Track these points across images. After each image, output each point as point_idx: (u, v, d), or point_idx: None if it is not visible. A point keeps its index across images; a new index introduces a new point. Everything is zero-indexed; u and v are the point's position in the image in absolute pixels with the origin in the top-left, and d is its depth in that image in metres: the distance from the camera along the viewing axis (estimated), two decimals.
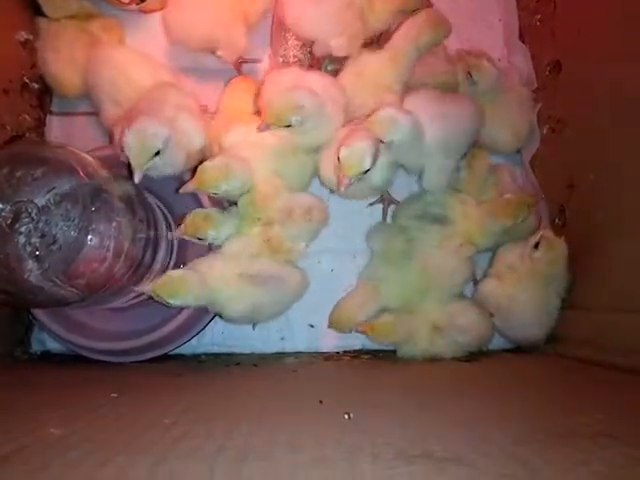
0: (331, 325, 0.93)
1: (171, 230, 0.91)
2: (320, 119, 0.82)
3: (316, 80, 0.86)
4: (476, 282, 0.96)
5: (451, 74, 0.97)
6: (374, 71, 0.89)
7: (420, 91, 0.87)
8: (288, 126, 0.79)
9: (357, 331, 0.89)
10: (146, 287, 0.75)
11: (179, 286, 0.74)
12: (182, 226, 0.82)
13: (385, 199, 0.99)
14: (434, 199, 0.94)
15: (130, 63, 0.92)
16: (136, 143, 0.75)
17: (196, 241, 0.83)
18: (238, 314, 0.81)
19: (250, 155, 0.84)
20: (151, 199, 0.89)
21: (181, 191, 0.82)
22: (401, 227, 0.95)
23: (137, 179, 0.76)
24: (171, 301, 0.74)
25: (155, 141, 0.76)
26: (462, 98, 0.91)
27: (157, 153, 0.77)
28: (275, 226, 0.83)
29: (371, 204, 1.01)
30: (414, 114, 0.80)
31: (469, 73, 0.95)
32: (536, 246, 0.87)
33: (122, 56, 0.93)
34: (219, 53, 0.97)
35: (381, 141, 0.78)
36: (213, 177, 0.79)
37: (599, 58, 0.86)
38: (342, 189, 0.76)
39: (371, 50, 0.92)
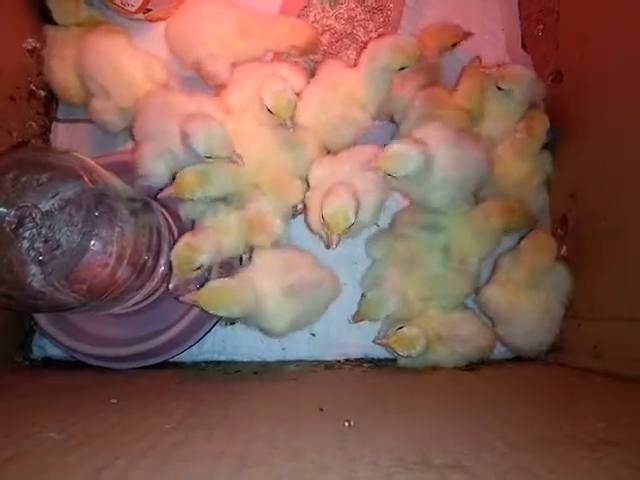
0: (361, 315, 0.90)
1: (173, 237, 0.92)
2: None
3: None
4: (477, 291, 0.96)
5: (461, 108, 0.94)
6: (349, 87, 0.87)
7: (435, 123, 0.86)
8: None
9: (377, 343, 0.88)
10: (189, 297, 0.74)
11: (225, 296, 0.74)
12: (173, 270, 0.79)
13: None
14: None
15: (118, 50, 0.92)
16: (213, 143, 0.77)
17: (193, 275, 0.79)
18: (280, 329, 0.81)
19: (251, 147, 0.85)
20: (154, 205, 0.90)
21: (159, 196, 0.82)
22: (398, 235, 0.94)
23: (240, 160, 0.79)
24: (220, 313, 0.74)
25: (221, 129, 0.78)
26: (475, 136, 0.90)
27: None
28: (249, 205, 0.84)
29: None
30: (426, 146, 0.80)
31: (498, 87, 0.93)
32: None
33: (109, 43, 0.92)
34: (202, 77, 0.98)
35: (392, 176, 0.79)
36: (190, 184, 0.79)
37: (601, 68, 0.87)
38: (334, 247, 0.78)
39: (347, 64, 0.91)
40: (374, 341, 0.89)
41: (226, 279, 0.76)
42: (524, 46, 1.08)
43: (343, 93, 0.87)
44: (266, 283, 0.78)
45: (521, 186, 0.95)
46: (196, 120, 0.78)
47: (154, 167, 0.83)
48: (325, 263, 0.98)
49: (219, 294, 0.74)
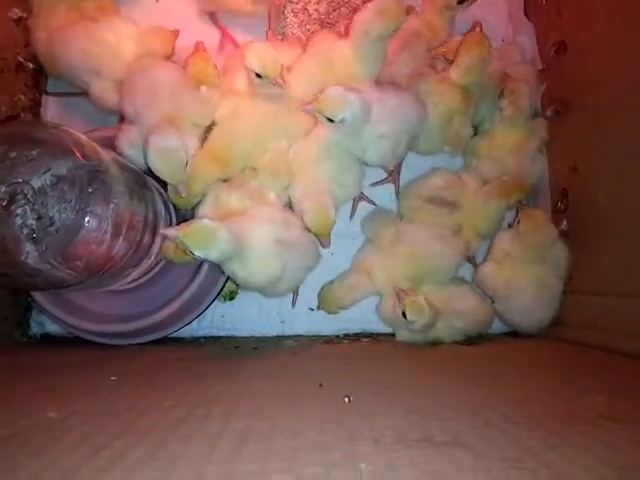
0: (319, 305, 0.94)
1: (169, 213, 0.91)
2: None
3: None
4: (476, 266, 0.95)
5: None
6: (345, 62, 0.85)
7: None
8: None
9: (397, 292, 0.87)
10: (173, 231, 0.70)
11: (208, 238, 0.70)
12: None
13: (357, 196, 0.98)
14: (445, 183, 0.93)
15: (95, 30, 0.89)
16: (164, 167, 0.77)
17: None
18: (264, 279, 0.79)
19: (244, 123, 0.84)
20: (149, 181, 0.88)
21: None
22: (410, 208, 0.94)
23: (184, 193, 0.79)
24: (196, 252, 0.70)
25: (181, 155, 0.77)
26: (407, 93, 0.87)
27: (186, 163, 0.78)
28: (249, 182, 0.84)
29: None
30: (361, 92, 0.78)
31: (502, 91, 0.92)
32: (518, 223, 0.89)
33: (83, 29, 0.89)
34: None
35: (331, 120, 0.77)
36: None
37: (605, 39, 0.84)
38: (328, 247, 0.83)
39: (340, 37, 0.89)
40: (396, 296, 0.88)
41: (214, 223, 0.71)
42: (527, 16, 1.05)
43: (339, 68, 0.85)
44: (262, 232, 0.77)
45: (516, 154, 0.94)
46: (156, 141, 0.77)
47: (130, 153, 0.83)
48: None
49: (206, 236, 0.70)
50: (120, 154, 0.83)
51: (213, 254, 0.70)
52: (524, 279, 0.88)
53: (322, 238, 0.82)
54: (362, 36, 0.83)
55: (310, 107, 0.78)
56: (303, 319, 0.99)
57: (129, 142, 0.82)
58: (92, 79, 0.89)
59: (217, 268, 0.80)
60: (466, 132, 0.94)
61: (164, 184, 0.91)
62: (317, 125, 0.85)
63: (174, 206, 0.91)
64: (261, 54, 0.80)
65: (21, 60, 0.97)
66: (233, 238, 0.72)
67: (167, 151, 0.76)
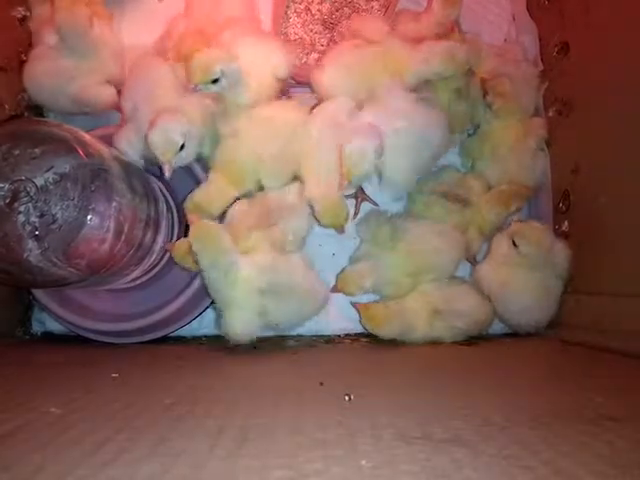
0: (338, 287, 0.91)
1: (171, 212, 0.91)
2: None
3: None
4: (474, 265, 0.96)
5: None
6: (397, 58, 0.87)
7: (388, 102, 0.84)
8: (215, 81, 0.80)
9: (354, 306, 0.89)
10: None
11: (212, 239, 0.77)
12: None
13: (359, 196, 0.98)
14: (455, 180, 0.94)
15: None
16: (160, 141, 0.77)
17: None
18: (234, 329, 0.80)
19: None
20: (152, 180, 0.88)
21: None
22: (388, 217, 0.94)
23: (167, 175, 0.78)
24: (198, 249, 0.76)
25: (178, 136, 0.78)
26: (431, 110, 0.87)
27: (182, 147, 0.78)
28: (275, 227, 0.84)
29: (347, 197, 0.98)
30: (379, 133, 0.79)
31: (485, 90, 0.93)
32: (515, 245, 0.88)
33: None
34: None
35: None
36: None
37: (607, 40, 0.85)
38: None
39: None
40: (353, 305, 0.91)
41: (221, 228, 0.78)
42: (530, 15, 1.05)
43: (392, 63, 0.87)
44: (253, 279, 0.79)
45: (515, 151, 0.94)
46: (164, 117, 0.78)
47: (127, 151, 0.83)
48: (325, 239, 0.98)
49: (211, 233, 0.77)
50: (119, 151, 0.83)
51: (209, 259, 0.77)
52: (521, 282, 0.88)
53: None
54: (421, 63, 0.87)
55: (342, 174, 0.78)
56: None
57: (126, 140, 0.83)
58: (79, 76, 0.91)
59: None
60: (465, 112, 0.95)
61: (168, 185, 0.92)
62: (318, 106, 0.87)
63: (176, 205, 0.91)
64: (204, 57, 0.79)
65: (24, 59, 0.96)
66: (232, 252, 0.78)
67: (166, 129, 0.78)
